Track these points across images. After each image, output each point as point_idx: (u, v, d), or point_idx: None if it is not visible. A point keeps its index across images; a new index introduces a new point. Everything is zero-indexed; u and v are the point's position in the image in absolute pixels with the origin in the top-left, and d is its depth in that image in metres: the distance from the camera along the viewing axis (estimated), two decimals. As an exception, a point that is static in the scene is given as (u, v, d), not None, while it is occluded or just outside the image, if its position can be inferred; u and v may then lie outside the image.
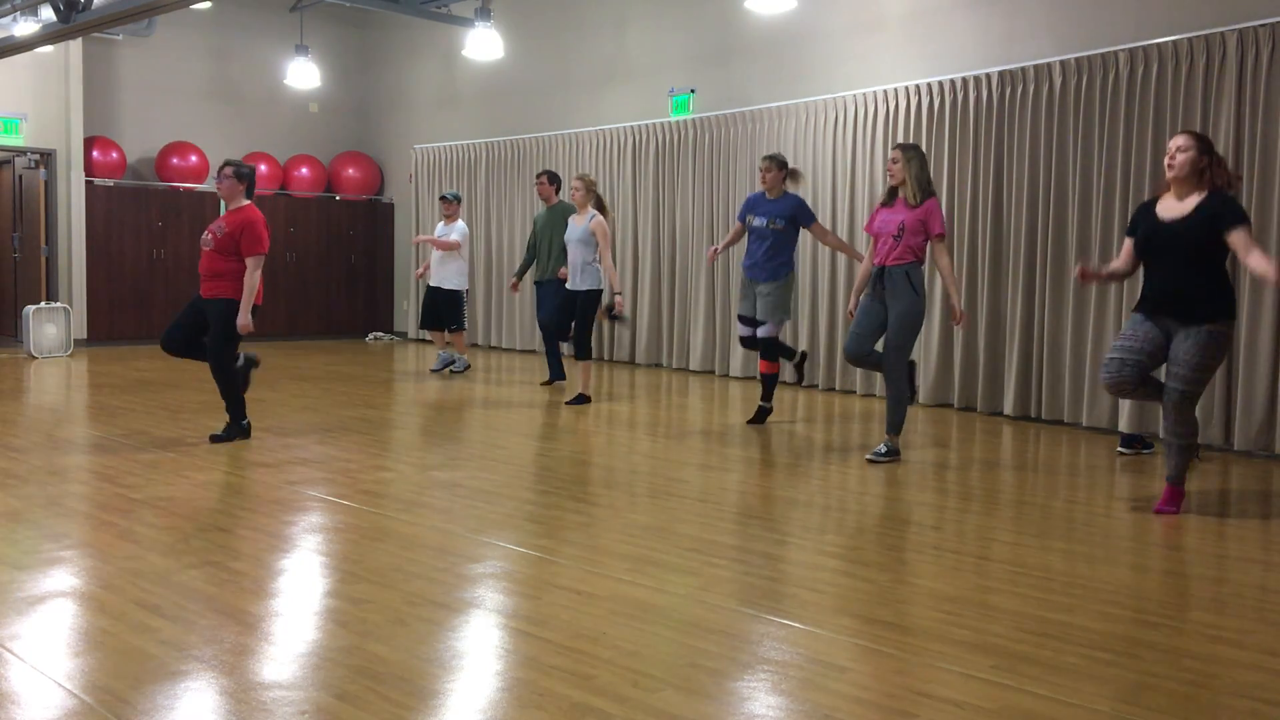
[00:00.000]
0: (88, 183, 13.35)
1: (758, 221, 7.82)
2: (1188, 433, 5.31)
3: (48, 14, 9.97)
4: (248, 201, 7.07)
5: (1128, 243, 5.56)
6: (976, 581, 4.22)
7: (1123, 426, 7.68)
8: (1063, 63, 8.23)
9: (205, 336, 6.99)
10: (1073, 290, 8.18)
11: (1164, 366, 5.36)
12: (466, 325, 11.14)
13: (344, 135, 15.95)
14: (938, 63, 9.26)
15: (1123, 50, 7.88)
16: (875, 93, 9.62)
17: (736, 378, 10.82)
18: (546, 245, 9.98)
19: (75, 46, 13.02)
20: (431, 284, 10.88)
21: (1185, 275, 5.20)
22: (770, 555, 4.61)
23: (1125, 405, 7.73)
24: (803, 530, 5.09)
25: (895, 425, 6.67)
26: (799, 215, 7.76)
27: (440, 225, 11.01)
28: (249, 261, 6.89)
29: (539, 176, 10.19)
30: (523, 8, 13.01)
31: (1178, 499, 5.44)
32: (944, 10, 9.33)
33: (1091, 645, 3.49)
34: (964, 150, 8.95)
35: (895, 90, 9.44)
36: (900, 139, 9.38)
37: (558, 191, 10.15)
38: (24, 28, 10.25)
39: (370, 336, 15.48)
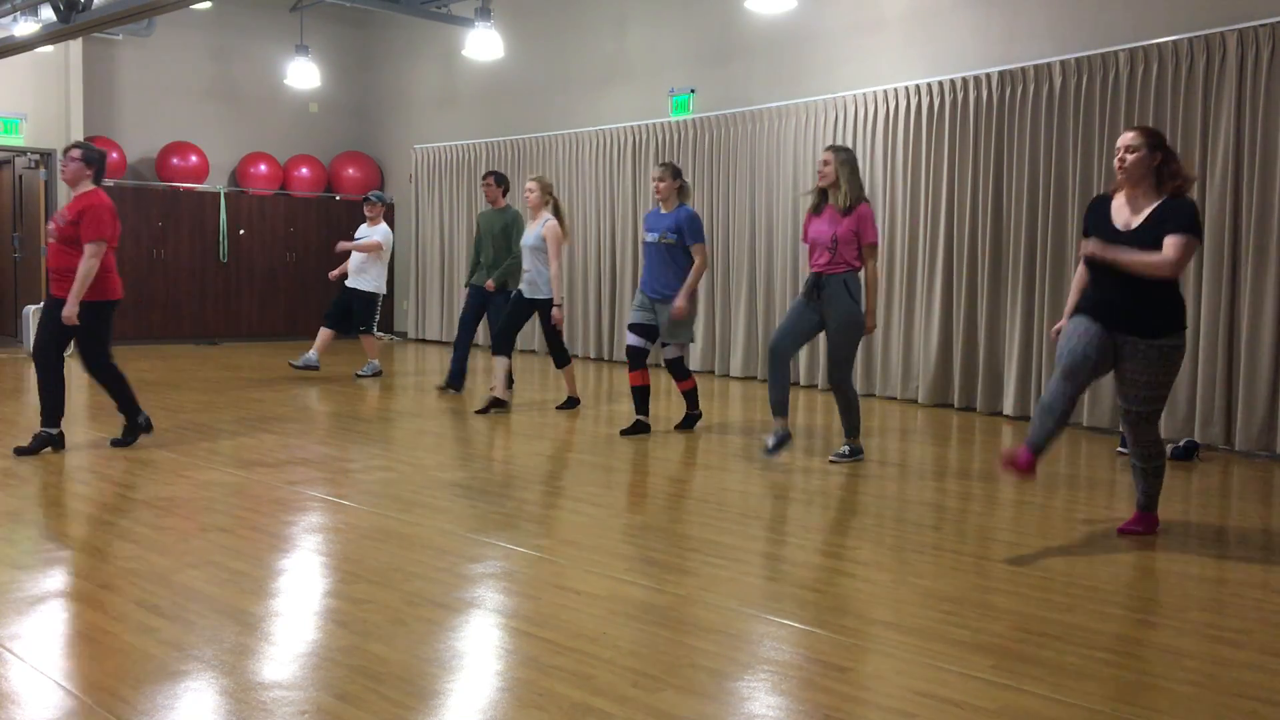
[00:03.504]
0: (88, 183, 13.33)
1: (649, 237, 7.46)
2: (1151, 454, 4.95)
3: (48, 14, 9.97)
4: (94, 187, 6.53)
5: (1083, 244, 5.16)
6: (976, 581, 4.22)
7: (1123, 427, 7.67)
8: (1063, 63, 8.23)
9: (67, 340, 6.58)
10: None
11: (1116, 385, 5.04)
12: (377, 331, 10.88)
13: (344, 135, 15.94)
14: (938, 63, 9.25)
15: (1123, 50, 7.88)
16: (875, 93, 9.62)
17: (736, 378, 10.82)
18: (489, 251, 9.22)
19: (75, 46, 13.01)
20: (348, 284, 10.63)
21: (1136, 287, 4.76)
22: (770, 555, 4.61)
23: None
24: (802, 530, 5.09)
25: (853, 428, 6.66)
26: (685, 230, 7.31)
27: (363, 227, 10.88)
28: (87, 248, 6.28)
29: (485, 177, 9.34)
30: (523, 8, 13.01)
31: (1146, 523, 5.04)
32: (944, 10, 9.33)
33: (1091, 645, 3.49)
34: (964, 150, 8.95)
35: (895, 90, 9.44)
36: (900, 139, 9.40)
37: (505, 194, 9.36)
38: (24, 28, 10.25)
39: (370, 336, 15.45)
